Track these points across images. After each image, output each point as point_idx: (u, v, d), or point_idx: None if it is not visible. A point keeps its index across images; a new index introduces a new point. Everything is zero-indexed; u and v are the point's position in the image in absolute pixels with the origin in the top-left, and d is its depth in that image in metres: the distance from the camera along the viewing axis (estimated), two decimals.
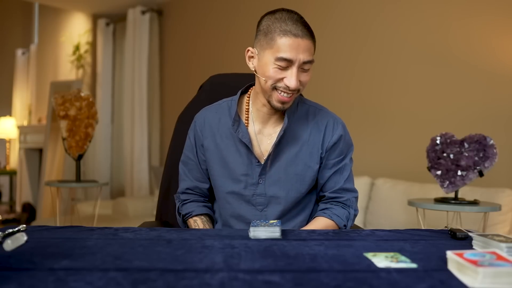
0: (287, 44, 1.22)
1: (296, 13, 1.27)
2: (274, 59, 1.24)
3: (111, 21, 5.51)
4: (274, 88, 1.27)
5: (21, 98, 6.72)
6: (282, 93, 1.27)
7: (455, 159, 2.27)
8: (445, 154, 2.30)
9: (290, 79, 1.24)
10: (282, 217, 1.38)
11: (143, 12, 5.05)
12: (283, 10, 1.27)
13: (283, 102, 1.29)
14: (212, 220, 1.47)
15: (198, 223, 1.42)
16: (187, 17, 4.86)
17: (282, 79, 1.25)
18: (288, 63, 1.23)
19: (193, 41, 4.76)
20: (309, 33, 1.25)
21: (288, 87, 1.25)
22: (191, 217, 1.44)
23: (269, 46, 1.25)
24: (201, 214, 1.44)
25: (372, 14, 3.42)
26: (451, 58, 3.03)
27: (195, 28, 4.75)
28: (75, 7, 5.67)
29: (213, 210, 1.50)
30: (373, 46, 3.40)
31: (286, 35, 1.22)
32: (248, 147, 1.35)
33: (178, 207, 1.48)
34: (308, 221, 1.44)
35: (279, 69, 1.25)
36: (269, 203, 1.38)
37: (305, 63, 1.25)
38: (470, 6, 2.97)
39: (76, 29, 5.82)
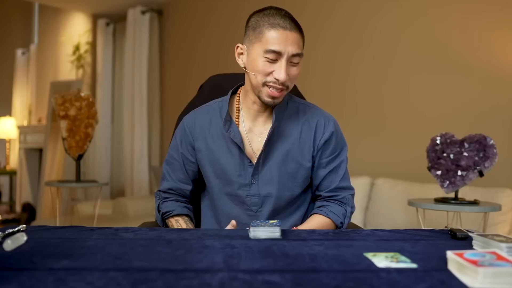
0: (276, 36, 1.23)
1: (284, 10, 1.28)
2: (263, 52, 1.25)
3: (111, 21, 5.51)
4: (264, 83, 1.27)
5: (21, 98, 6.72)
6: (272, 88, 1.27)
7: (455, 159, 2.27)
8: (445, 154, 2.30)
9: (279, 71, 1.24)
10: (276, 216, 1.38)
11: (143, 12, 5.05)
12: (271, 7, 1.28)
13: (273, 97, 1.28)
14: (193, 221, 1.45)
15: (180, 223, 1.40)
16: (187, 17, 4.86)
17: (271, 72, 1.26)
18: (277, 55, 1.24)
19: (193, 41, 4.76)
20: (297, 27, 1.26)
21: (277, 80, 1.25)
22: (171, 217, 1.42)
23: (257, 40, 1.26)
24: (182, 214, 1.42)
25: (371, 13, 3.42)
26: (451, 58, 3.03)
27: (195, 28, 4.75)
28: (75, 7, 5.67)
29: (193, 213, 1.48)
30: (374, 47, 3.40)
31: (275, 28, 1.24)
32: (239, 147, 1.35)
33: (158, 205, 1.46)
34: (303, 219, 1.44)
35: (268, 62, 1.25)
36: (263, 203, 1.37)
37: (293, 56, 1.25)
38: (469, 6, 2.97)
39: (76, 29, 5.82)
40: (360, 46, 3.47)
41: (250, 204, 1.37)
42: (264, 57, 1.25)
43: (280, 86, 1.27)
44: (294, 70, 1.28)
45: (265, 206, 1.37)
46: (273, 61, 1.25)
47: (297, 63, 1.27)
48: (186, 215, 1.43)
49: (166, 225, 1.45)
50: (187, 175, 1.45)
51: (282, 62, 1.24)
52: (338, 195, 1.40)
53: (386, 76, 3.34)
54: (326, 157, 1.39)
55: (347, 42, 3.54)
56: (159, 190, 1.49)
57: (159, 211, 1.46)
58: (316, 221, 1.36)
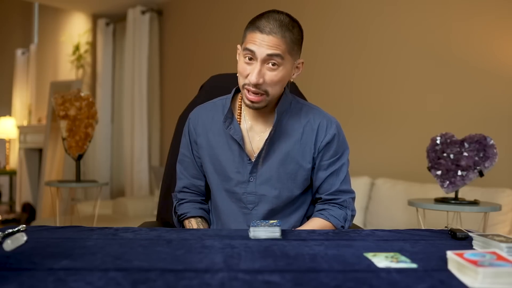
0: (253, 37, 1.24)
1: (282, 13, 1.27)
2: (243, 53, 1.27)
3: (111, 21, 5.51)
4: (243, 86, 1.28)
5: (21, 98, 6.72)
6: (249, 92, 1.27)
7: (455, 159, 2.27)
8: (445, 154, 2.30)
9: (252, 74, 1.24)
10: (274, 216, 1.38)
11: (143, 12, 5.05)
12: (272, 11, 1.28)
13: (252, 101, 1.28)
14: (208, 221, 1.47)
15: (192, 223, 1.42)
16: (187, 17, 4.86)
17: (248, 75, 1.26)
18: (251, 54, 1.24)
19: (193, 41, 4.76)
20: (282, 31, 1.24)
21: (250, 82, 1.25)
22: (186, 218, 1.44)
23: (242, 42, 1.29)
24: (196, 216, 1.44)
25: (372, 14, 3.42)
26: (451, 58, 3.03)
27: (195, 28, 4.75)
28: (75, 7, 5.67)
29: (209, 209, 1.50)
30: (373, 46, 3.40)
31: (254, 30, 1.25)
32: (240, 144, 1.35)
33: (175, 206, 1.49)
34: (302, 221, 1.44)
35: (247, 64, 1.26)
36: (259, 202, 1.37)
37: (270, 56, 1.23)
38: (470, 6, 2.97)
39: (76, 29, 5.82)
40: (361, 47, 3.47)
41: (246, 202, 1.37)
42: (243, 57, 1.27)
43: (253, 89, 1.26)
44: (272, 75, 1.26)
45: (261, 205, 1.37)
46: (250, 63, 1.25)
47: (275, 66, 1.25)
48: (200, 216, 1.45)
49: (183, 227, 1.47)
50: (199, 171, 1.47)
51: (256, 64, 1.24)
52: (339, 198, 1.39)
53: (385, 76, 3.34)
54: (327, 159, 1.39)
55: (347, 43, 3.54)
56: (175, 191, 1.51)
57: (175, 213, 1.48)
58: (316, 224, 1.36)
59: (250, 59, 1.25)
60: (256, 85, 1.25)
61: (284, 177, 1.36)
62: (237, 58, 1.35)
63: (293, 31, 1.26)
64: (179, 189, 1.49)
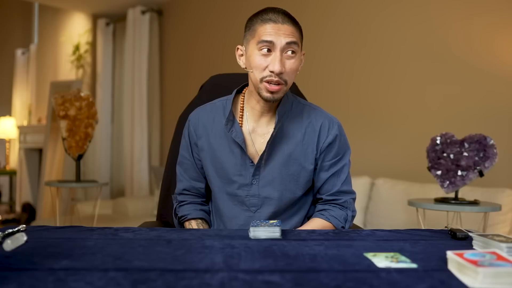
0: (268, 29, 1.25)
1: (280, 8, 1.29)
2: (257, 46, 1.26)
3: (111, 21, 5.51)
4: (262, 79, 1.26)
5: (21, 98, 6.72)
6: (269, 83, 1.26)
7: (455, 159, 2.27)
8: (445, 154, 2.30)
9: (274, 63, 1.24)
10: (276, 218, 1.37)
11: (143, 12, 5.05)
12: (270, 7, 1.30)
13: (272, 92, 1.27)
14: (208, 223, 1.46)
15: (192, 225, 1.42)
16: (187, 17, 4.86)
17: (267, 67, 1.25)
18: (270, 45, 1.24)
19: (193, 41, 4.76)
20: (291, 20, 1.27)
21: (272, 72, 1.24)
22: (187, 220, 1.44)
23: (252, 37, 1.28)
24: (197, 218, 1.44)
25: (372, 14, 3.42)
26: (451, 58, 3.03)
27: (195, 28, 4.75)
28: (75, 7, 5.67)
29: (210, 210, 1.50)
30: (373, 46, 3.40)
31: (266, 23, 1.25)
32: (241, 147, 1.35)
33: (175, 208, 1.49)
34: (303, 222, 1.43)
35: (263, 56, 1.25)
36: (262, 204, 1.36)
37: (288, 45, 1.25)
38: (470, 7, 2.97)
39: (76, 29, 5.82)
40: (362, 46, 3.47)
41: (249, 204, 1.37)
42: (258, 51, 1.25)
43: (276, 79, 1.25)
44: (291, 63, 1.27)
45: (264, 208, 1.36)
46: (268, 54, 1.25)
47: (293, 54, 1.26)
48: (201, 218, 1.45)
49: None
50: (199, 173, 1.46)
51: (276, 54, 1.24)
52: (340, 199, 1.39)
53: (385, 76, 3.34)
54: (329, 160, 1.38)
55: (348, 42, 3.54)
56: (175, 193, 1.51)
57: (175, 215, 1.48)
58: (316, 225, 1.36)
59: (268, 50, 1.25)
60: (279, 74, 1.25)
61: (286, 178, 1.36)
62: (238, 59, 1.35)
63: (297, 22, 1.30)
64: (179, 191, 1.49)
